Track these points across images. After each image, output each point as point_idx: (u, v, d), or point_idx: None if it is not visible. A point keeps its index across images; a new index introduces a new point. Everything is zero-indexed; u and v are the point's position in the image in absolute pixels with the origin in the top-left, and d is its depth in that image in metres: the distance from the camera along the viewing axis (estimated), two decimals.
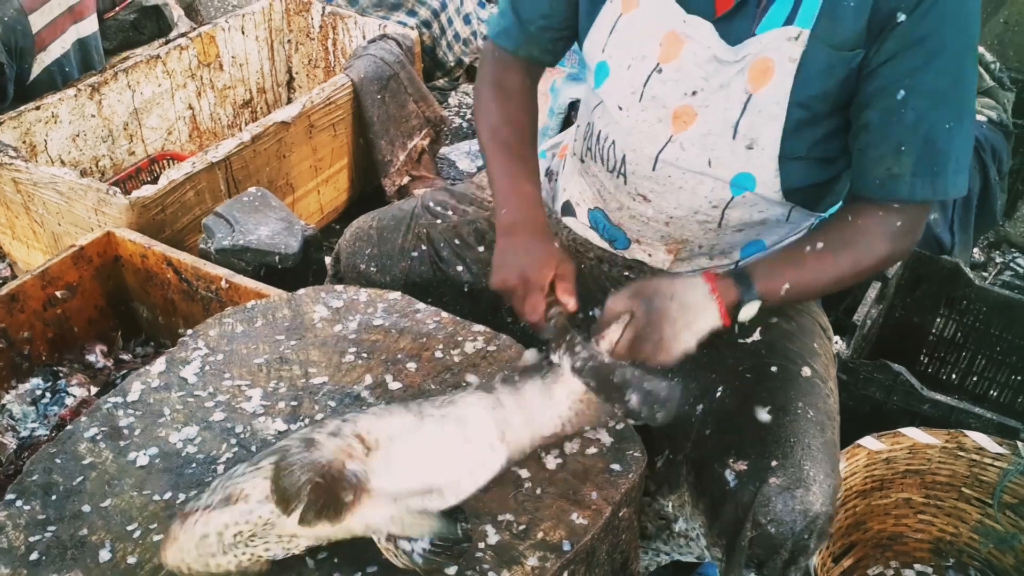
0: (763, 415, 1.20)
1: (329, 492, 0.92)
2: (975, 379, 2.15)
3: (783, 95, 1.15)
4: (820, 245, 1.18)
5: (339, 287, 1.43)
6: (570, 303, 1.20)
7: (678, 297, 1.13)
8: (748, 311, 1.17)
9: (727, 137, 1.20)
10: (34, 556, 0.99)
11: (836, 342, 1.86)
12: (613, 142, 1.31)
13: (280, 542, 0.94)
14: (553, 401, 1.11)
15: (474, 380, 1.22)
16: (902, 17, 1.09)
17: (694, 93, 1.20)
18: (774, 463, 1.14)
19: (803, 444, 1.16)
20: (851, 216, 1.21)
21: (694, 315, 1.14)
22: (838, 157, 1.23)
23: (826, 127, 1.19)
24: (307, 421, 1.16)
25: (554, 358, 1.15)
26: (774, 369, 1.25)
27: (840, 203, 1.38)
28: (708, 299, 1.15)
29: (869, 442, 1.61)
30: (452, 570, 0.98)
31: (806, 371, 1.27)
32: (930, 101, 1.11)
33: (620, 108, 1.28)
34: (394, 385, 1.23)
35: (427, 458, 1.00)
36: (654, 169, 1.27)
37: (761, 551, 1.16)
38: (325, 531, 0.95)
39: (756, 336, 1.32)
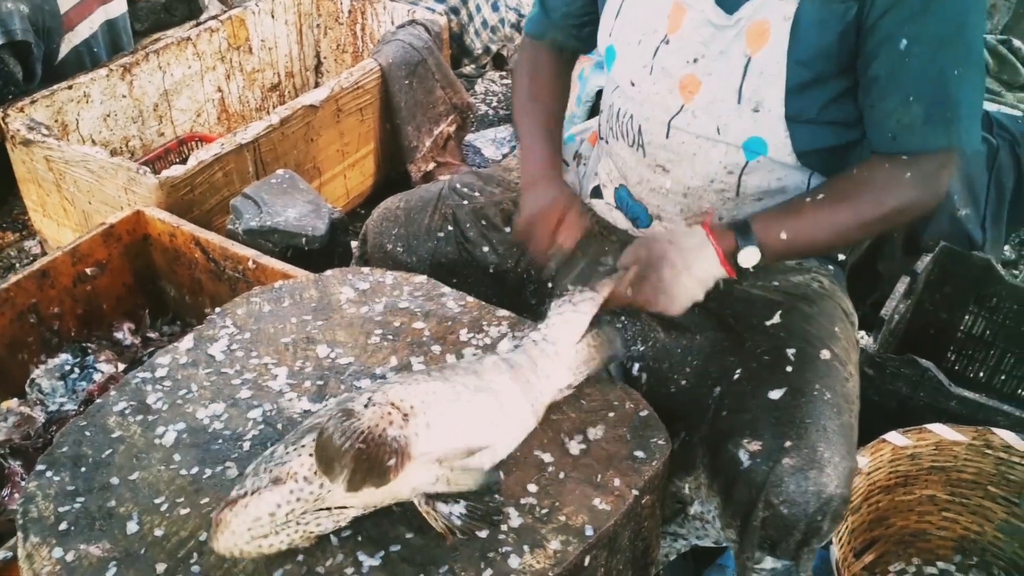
0: (777, 395, 1.19)
1: (372, 457, 0.93)
2: (1003, 377, 2.12)
3: (781, 54, 1.17)
4: (822, 196, 1.20)
5: (365, 269, 1.43)
6: (567, 241, 1.29)
7: (676, 242, 1.20)
8: (747, 257, 1.19)
9: (732, 102, 1.22)
10: (63, 526, 1.00)
11: (863, 336, 1.84)
12: (631, 116, 1.35)
13: (331, 516, 0.96)
14: (560, 356, 1.16)
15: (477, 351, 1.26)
16: None
17: (695, 61, 1.23)
18: (788, 444, 1.14)
19: (819, 426, 1.16)
20: (855, 170, 1.22)
21: (692, 258, 1.18)
22: (855, 123, 1.23)
23: (835, 89, 1.20)
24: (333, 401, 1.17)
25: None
26: (792, 351, 1.25)
27: None
28: (705, 243, 1.19)
29: (894, 437, 1.59)
30: (476, 550, 0.98)
31: (825, 354, 1.26)
32: (934, 47, 1.11)
33: (632, 84, 1.32)
34: (419, 367, 1.23)
35: (466, 423, 1.02)
36: (667, 136, 1.30)
37: (774, 532, 1.15)
38: (373, 498, 0.97)
39: (776, 319, 1.31)
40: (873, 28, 1.13)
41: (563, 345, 1.17)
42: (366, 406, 0.98)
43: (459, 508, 0.99)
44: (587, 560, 1.01)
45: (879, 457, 1.60)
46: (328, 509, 0.96)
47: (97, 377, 1.76)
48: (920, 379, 1.71)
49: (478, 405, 1.05)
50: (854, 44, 1.16)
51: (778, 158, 1.25)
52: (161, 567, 0.96)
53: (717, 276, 1.20)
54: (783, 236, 1.19)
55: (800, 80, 1.18)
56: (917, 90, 1.13)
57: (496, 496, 1.02)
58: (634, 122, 1.34)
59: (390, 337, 1.28)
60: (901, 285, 1.91)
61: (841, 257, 1.46)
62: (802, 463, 1.12)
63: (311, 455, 0.94)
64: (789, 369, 1.22)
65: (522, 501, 1.05)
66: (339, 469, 0.91)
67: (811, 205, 1.20)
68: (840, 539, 1.55)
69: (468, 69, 3.45)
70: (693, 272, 1.18)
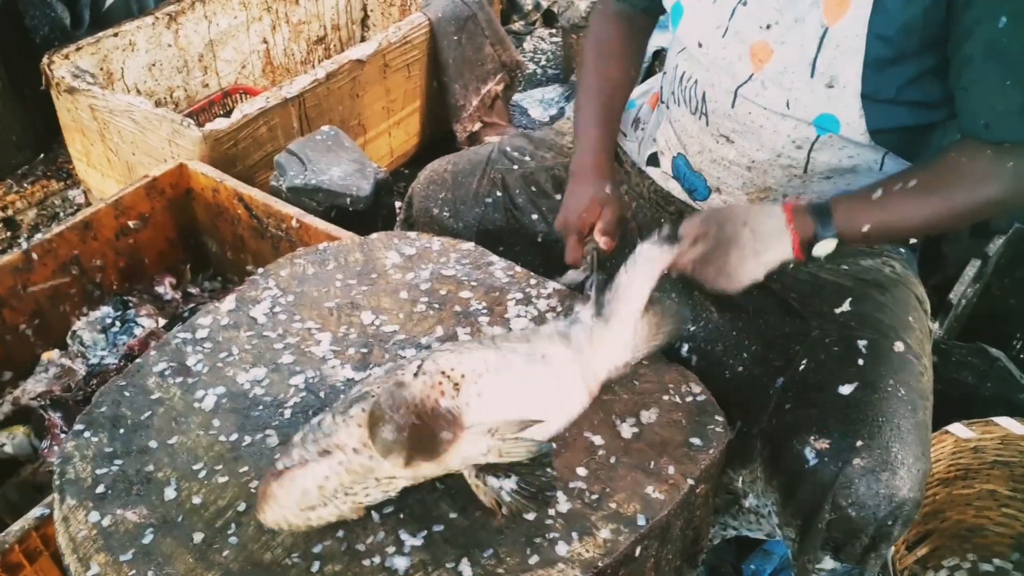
0: (848, 390, 1.12)
1: (428, 431, 0.89)
2: None
3: (861, 26, 1.07)
4: (913, 183, 1.10)
5: (412, 234, 1.38)
6: (603, 242, 1.25)
7: (751, 224, 1.11)
8: (823, 247, 1.12)
9: (805, 76, 1.13)
10: (100, 489, 0.98)
11: None
12: (696, 81, 1.27)
13: (379, 486, 0.92)
14: (619, 331, 1.10)
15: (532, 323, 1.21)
16: None
17: (768, 27, 1.14)
18: (859, 443, 1.07)
19: (892, 424, 1.08)
20: (954, 153, 1.11)
21: (764, 245, 1.11)
22: (938, 104, 1.14)
23: (917, 67, 1.10)
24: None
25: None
26: (864, 343, 1.18)
27: None
28: (783, 231, 1.11)
29: (958, 429, 1.52)
30: (523, 536, 0.94)
31: (899, 346, 1.18)
32: None
33: (700, 45, 1.23)
34: (465, 339, 1.18)
35: (519, 393, 0.98)
36: (733, 106, 1.22)
37: (839, 535, 1.10)
38: (424, 470, 0.93)
39: (846, 307, 1.24)
40: (968, 3, 1.03)
41: (622, 319, 1.11)
42: (416, 375, 0.94)
43: (510, 483, 0.95)
44: (638, 551, 0.96)
45: (940, 449, 1.52)
46: (377, 480, 0.92)
47: (138, 331, 1.75)
48: (988, 369, 1.63)
49: (531, 375, 1.00)
50: (942, 20, 1.06)
51: (850, 136, 1.16)
52: (198, 536, 0.93)
53: (785, 261, 1.13)
54: (866, 228, 1.11)
55: (880, 56, 1.08)
56: (1016, 74, 1.03)
57: (548, 470, 0.97)
58: (698, 88, 1.26)
59: (436, 306, 1.24)
60: (971, 269, 1.81)
61: (913, 240, 1.37)
62: (874, 464, 1.06)
63: (359, 425, 0.91)
64: (861, 362, 1.15)
65: (571, 485, 1.00)
66: (394, 445, 0.88)
67: (900, 195, 1.11)
68: None
69: (517, 25, 3.36)
70: (762, 258, 1.11)
